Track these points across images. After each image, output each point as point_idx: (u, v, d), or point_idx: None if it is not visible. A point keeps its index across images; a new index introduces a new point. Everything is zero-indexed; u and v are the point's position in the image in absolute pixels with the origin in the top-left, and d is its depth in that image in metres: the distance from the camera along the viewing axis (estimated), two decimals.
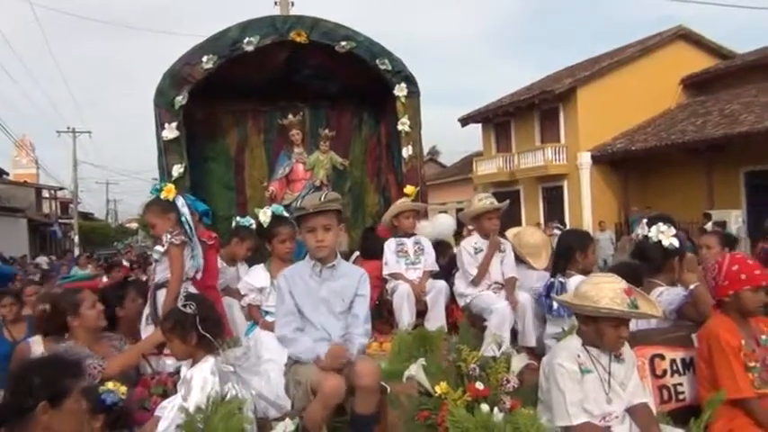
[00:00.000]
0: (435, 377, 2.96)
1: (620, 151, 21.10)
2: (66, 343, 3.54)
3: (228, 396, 2.86)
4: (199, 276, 3.96)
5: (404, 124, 6.11)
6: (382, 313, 5.10)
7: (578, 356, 2.77)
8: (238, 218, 5.29)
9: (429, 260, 5.20)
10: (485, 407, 2.70)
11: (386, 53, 6.02)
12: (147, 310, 3.93)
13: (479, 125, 26.88)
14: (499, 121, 25.63)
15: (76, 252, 30.80)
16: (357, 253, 5.63)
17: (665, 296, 3.49)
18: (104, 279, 8.92)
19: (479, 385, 2.79)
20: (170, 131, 5.50)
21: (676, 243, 3.71)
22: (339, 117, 6.81)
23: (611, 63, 22.48)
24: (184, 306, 3.00)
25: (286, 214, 4.36)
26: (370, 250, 5.47)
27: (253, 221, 5.15)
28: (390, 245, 5.20)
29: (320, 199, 2.96)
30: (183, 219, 3.92)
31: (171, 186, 3.97)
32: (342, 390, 2.74)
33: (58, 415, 2.03)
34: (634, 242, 4.10)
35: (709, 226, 12.75)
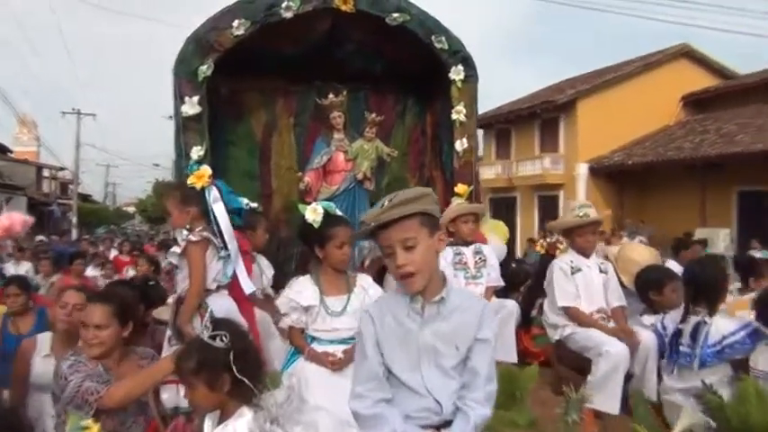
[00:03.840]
0: None
1: (616, 164, 20.32)
2: (75, 357, 2.51)
3: None
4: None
5: (459, 113, 5.00)
6: None
7: None
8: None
9: (493, 274, 4.16)
10: None
11: (442, 30, 4.93)
12: (169, 331, 2.86)
13: (481, 131, 25.90)
14: (500, 128, 24.74)
15: (74, 233, 29.44)
16: None
17: None
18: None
19: None
20: (191, 106, 4.38)
21: None
22: (381, 102, 5.63)
23: (614, 77, 21.57)
24: (212, 338, 1.95)
25: (339, 212, 3.23)
26: None
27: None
28: (446, 255, 4.11)
29: (382, 205, 1.80)
30: (211, 216, 2.85)
31: (204, 171, 2.87)
32: None
33: None
34: None
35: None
